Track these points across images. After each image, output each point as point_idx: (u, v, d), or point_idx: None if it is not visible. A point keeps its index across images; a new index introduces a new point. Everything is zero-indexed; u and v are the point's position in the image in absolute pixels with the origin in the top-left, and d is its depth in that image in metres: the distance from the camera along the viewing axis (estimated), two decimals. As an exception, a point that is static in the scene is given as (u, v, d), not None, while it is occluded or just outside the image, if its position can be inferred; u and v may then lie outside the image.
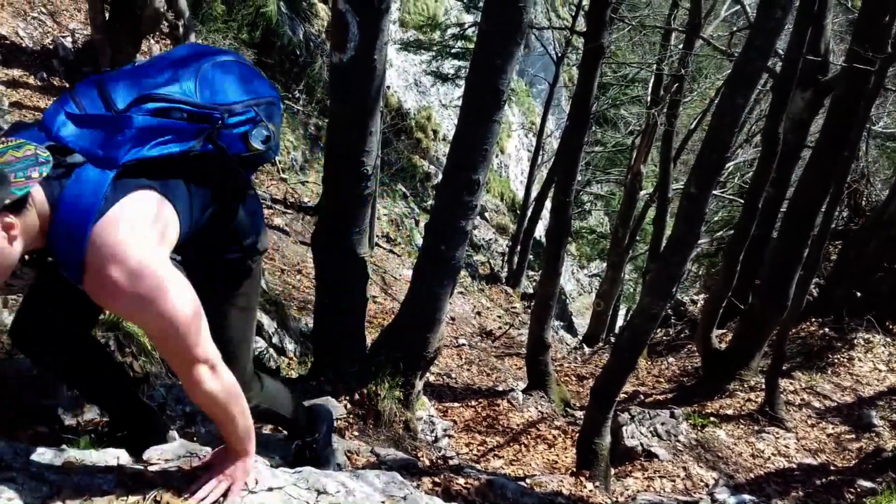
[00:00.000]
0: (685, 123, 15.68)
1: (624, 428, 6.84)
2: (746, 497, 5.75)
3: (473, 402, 7.91)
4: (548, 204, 13.07)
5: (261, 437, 2.85)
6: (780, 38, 4.73)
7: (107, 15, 7.52)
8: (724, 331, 9.90)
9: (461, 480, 3.87)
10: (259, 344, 4.62)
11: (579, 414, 7.81)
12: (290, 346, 5.60)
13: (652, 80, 13.61)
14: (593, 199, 23.10)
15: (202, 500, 1.73)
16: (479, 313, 12.48)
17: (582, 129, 7.27)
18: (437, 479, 3.77)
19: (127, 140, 1.51)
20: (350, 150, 4.29)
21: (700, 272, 18.00)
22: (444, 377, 8.63)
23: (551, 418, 7.72)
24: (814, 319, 9.88)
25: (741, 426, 7.46)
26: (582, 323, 19.11)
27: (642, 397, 8.83)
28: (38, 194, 1.40)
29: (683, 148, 14.66)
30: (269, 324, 5.20)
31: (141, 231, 1.46)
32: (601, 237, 21.92)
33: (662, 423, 7.04)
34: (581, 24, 12.42)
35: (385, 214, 13.95)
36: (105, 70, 3.32)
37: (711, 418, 7.57)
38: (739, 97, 4.42)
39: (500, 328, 11.95)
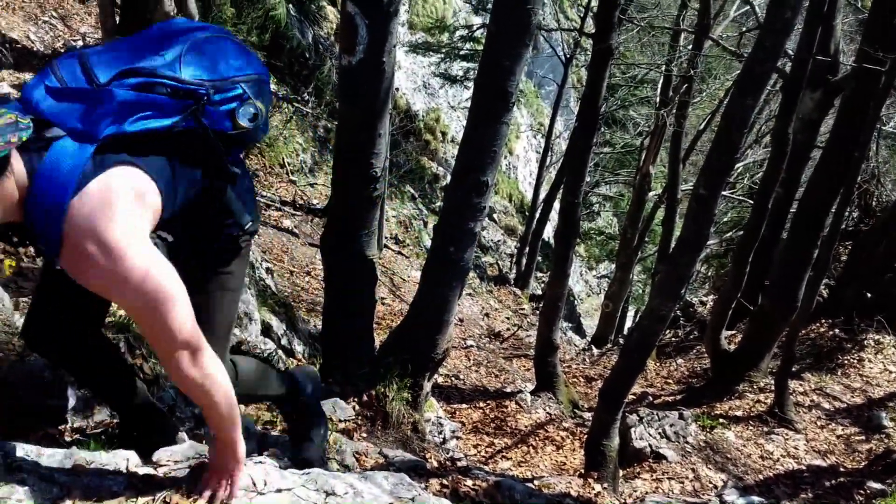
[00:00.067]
0: (694, 124, 15.65)
1: (632, 429, 6.83)
2: (755, 499, 5.72)
3: (481, 404, 7.91)
4: (556, 205, 13.06)
5: (269, 439, 2.86)
6: (790, 38, 4.71)
7: (117, 18, 7.56)
8: (734, 332, 9.86)
9: (469, 482, 3.87)
10: (268, 346, 4.63)
11: (588, 415, 7.80)
12: (298, 347, 5.60)
13: (661, 81, 13.59)
14: (602, 201, 23.09)
15: (208, 499, 1.73)
16: (487, 315, 12.47)
17: (591, 131, 7.25)
18: (445, 481, 3.77)
19: (107, 114, 1.48)
20: (359, 152, 4.30)
21: (709, 273, 17.93)
22: (453, 378, 8.63)
23: (559, 420, 7.71)
24: (823, 320, 9.83)
25: (750, 427, 7.43)
26: (590, 324, 19.09)
27: (651, 399, 8.80)
28: (17, 164, 1.38)
29: (692, 149, 14.62)
30: (278, 325, 5.21)
31: (120, 206, 1.43)
32: (610, 238, 21.92)
33: (671, 425, 7.02)
34: (590, 26, 12.39)
35: (394, 216, 13.96)
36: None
37: (720, 420, 7.53)
38: (749, 98, 4.40)
39: (508, 329, 11.94)
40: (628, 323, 19.13)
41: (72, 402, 2.47)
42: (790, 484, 6.45)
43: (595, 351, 12.43)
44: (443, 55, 15.82)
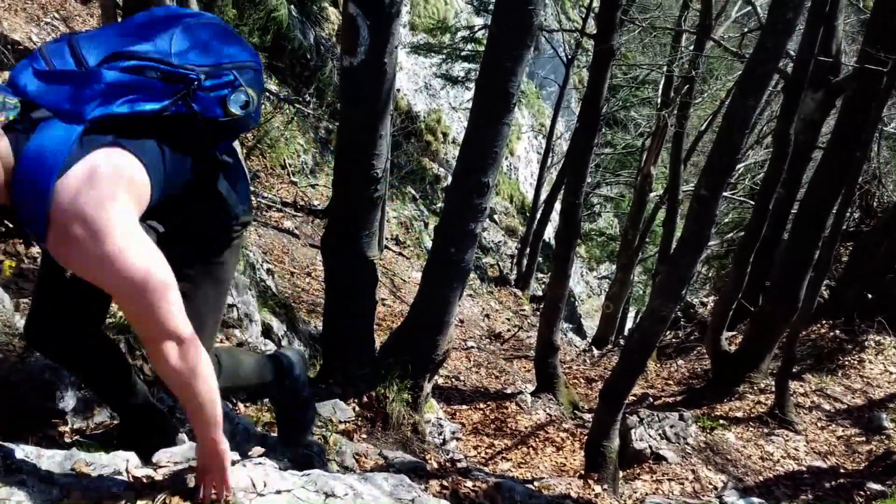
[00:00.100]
0: (695, 125, 15.65)
1: (633, 430, 6.83)
2: (755, 500, 5.71)
3: (482, 405, 7.91)
4: (557, 206, 13.06)
5: (269, 440, 2.86)
6: (792, 38, 4.70)
7: (119, 20, 7.57)
8: (734, 333, 9.86)
9: (469, 483, 3.86)
10: (269, 347, 4.63)
11: (588, 416, 7.80)
12: (299, 348, 5.61)
13: (662, 82, 13.60)
14: (603, 201, 23.10)
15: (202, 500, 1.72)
16: (487, 316, 12.48)
17: (592, 131, 7.25)
18: (444, 482, 3.77)
19: (96, 95, 1.46)
20: (360, 153, 4.30)
21: (710, 274, 17.93)
22: (453, 380, 8.63)
23: (560, 421, 7.71)
24: (824, 321, 9.83)
25: (751, 429, 7.43)
26: (591, 325, 19.09)
27: (651, 400, 8.80)
28: (3, 145, 1.37)
29: (694, 149, 14.63)
30: (278, 326, 5.21)
31: (106, 189, 1.41)
32: (611, 239, 21.92)
33: (671, 426, 7.02)
34: (591, 27, 12.41)
35: (395, 217, 13.98)
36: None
37: (721, 421, 7.53)
38: (750, 98, 4.40)
39: (508, 331, 11.94)
40: (629, 324, 19.12)
41: (72, 404, 2.47)
42: (790, 485, 6.45)
43: (595, 352, 12.42)
44: (444, 56, 15.86)
